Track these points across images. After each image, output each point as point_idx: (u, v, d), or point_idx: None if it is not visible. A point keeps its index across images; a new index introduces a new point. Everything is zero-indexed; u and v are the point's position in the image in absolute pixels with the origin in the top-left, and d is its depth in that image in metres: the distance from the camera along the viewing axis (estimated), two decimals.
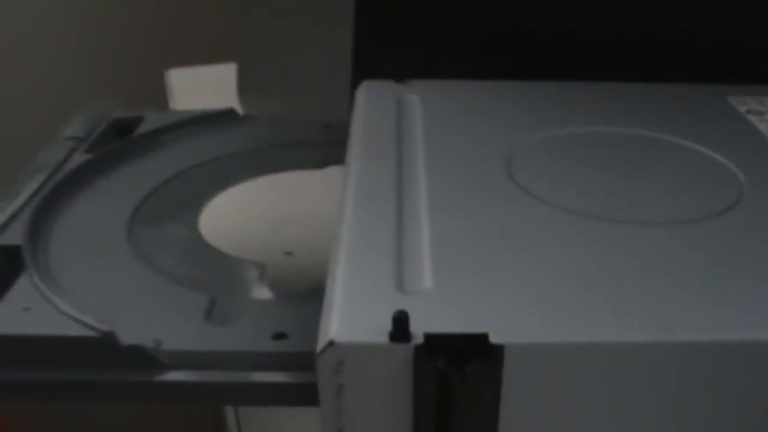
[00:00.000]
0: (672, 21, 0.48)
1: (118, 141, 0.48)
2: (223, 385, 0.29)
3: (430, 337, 0.24)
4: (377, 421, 0.25)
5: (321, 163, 0.48)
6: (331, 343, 0.24)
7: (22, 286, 0.33)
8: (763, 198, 0.33)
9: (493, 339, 0.24)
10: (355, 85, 0.45)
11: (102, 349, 0.29)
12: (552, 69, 0.49)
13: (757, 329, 0.25)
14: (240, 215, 0.46)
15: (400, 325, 0.24)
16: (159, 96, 0.78)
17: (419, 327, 0.24)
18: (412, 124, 0.39)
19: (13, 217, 0.38)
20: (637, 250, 0.29)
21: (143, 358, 0.29)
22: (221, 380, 0.29)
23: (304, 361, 0.27)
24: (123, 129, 0.51)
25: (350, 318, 0.25)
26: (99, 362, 0.29)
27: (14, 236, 0.36)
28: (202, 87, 0.72)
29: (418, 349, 0.24)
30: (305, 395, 0.28)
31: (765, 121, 0.41)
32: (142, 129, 0.49)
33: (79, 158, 0.44)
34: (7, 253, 0.35)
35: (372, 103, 0.41)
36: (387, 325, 0.24)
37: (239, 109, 0.62)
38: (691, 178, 0.35)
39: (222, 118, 0.53)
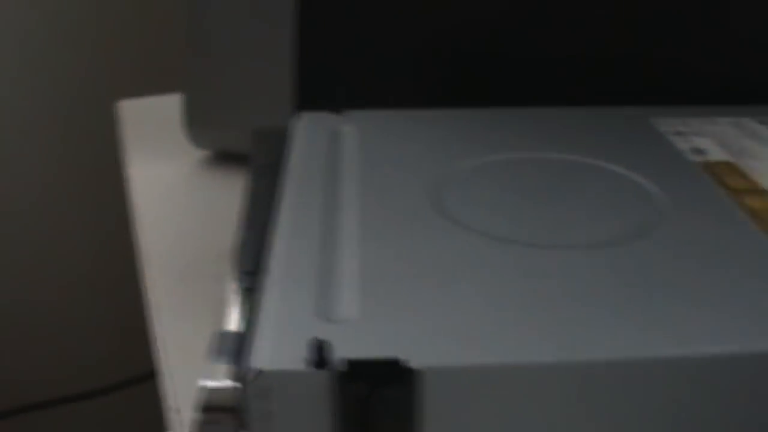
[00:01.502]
0: (602, 47, 0.49)
1: None
2: None
3: (350, 363, 0.25)
4: None
5: None
6: (259, 372, 0.25)
7: None
8: (681, 218, 0.34)
9: (412, 364, 0.25)
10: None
11: None
12: (488, 95, 0.50)
13: (668, 346, 0.27)
14: None
15: (320, 352, 0.25)
16: (109, 127, 0.79)
17: (341, 353, 0.26)
18: (345, 154, 0.40)
19: None
20: (557, 274, 0.30)
21: None
22: None
23: None
24: None
25: (276, 346, 0.26)
26: None
27: None
28: (154, 118, 0.73)
29: (339, 375, 0.25)
30: None
31: (686, 141, 0.42)
32: None
33: None
34: None
35: (307, 134, 0.42)
36: (311, 352, 0.26)
37: (188, 141, 0.64)
38: (614, 201, 0.36)
39: None
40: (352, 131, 0.43)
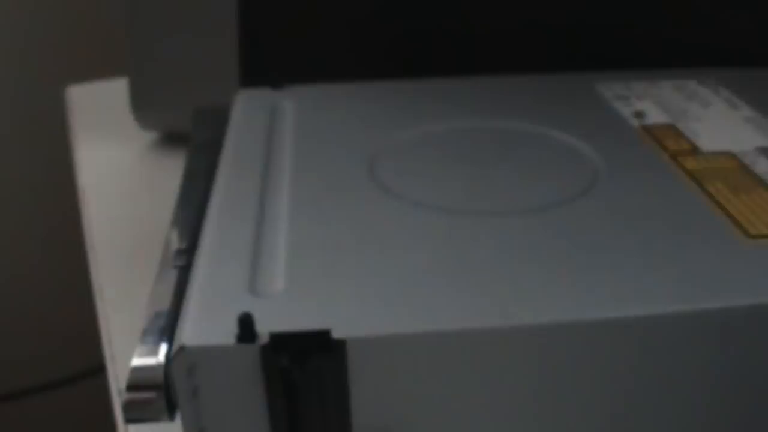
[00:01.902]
0: (549, 14, 0.49)
1: None
2: None
3: (274, 337, 0.25)
4: (236, 419, 0.26)
5: None
6: (182, 348, 0.25)
7: None
8: (617, 181, 0.34)
9: (336, 334, 0.25)
10: None
11: None
12: (431, 66, 0.50)
13: (598, 309, 0.26)
14: None
15: (245, 326, 0.25)
16: (58, 112, 0.78)
17: (268, 327, 0.25)
18: (283, 130, 0.40)
19: None
20: (490, 240, 0.30)
21: None
22: None
23: None
24: None
25: (202, 322, 0.26)
26: None
27: None
28: (103, 103, 0.72)
29: (264, 348, 0.25)
30: None
31: (629, 105, 0.42)
32: None
33: None
34: None
35: (245, 111, 0.42)
36: (236, 327, 0.25)
37: (135, 123, 0.63)
38: (551, 166, 0.36)
39: None
40: (291, 106, 0.42)
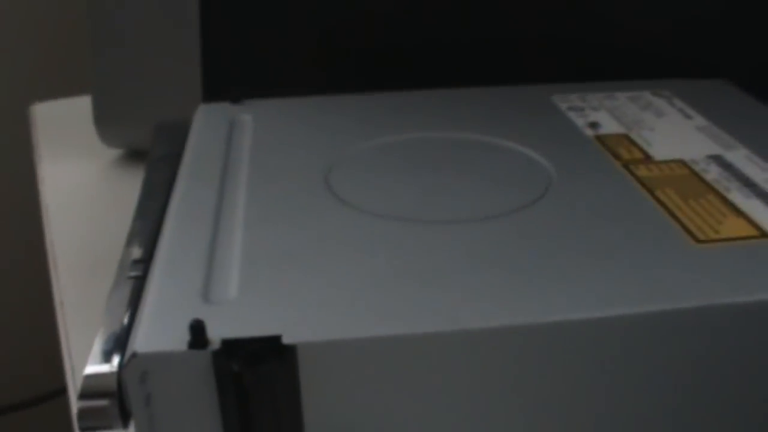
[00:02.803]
0: (504, 28, 0.50)
1: None
2: None
3: (226, 343, 0.25)
4: (189, 426, 0.26)
5: None
6: (134, 355, 0.25)
7: None
8: (567, 189, 0.35)
9: (286, 340, 0.25)
10: None
11: None
12: (391, 80, 0.50)
13: (549, 312, 0.27)
14: None
15: (197, 332, 0.25)
16: (23, 130, 0.78)
17: (219, 334, 0.26)
18: (241, 142, 0.40)
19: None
20: (441, 248, 0.31)
21: None
22: None
23: None
24: None
25: (154, 329, 0.26)
26: None
27: None
28: (68, 120, 0.72)
29: (216, 354, 0.25)
30: None
31: (583, 116, 0.43)
32: None
33: None
34: None
35: (204, 124, 0.42)
36: (188, 333, 0.26)
37: (100, 140, 0.63)
38: (504, 176, 0.36)
39: None
40: (250, 119, 0.42)
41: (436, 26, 0.50)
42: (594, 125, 0.41)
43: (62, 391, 1.06)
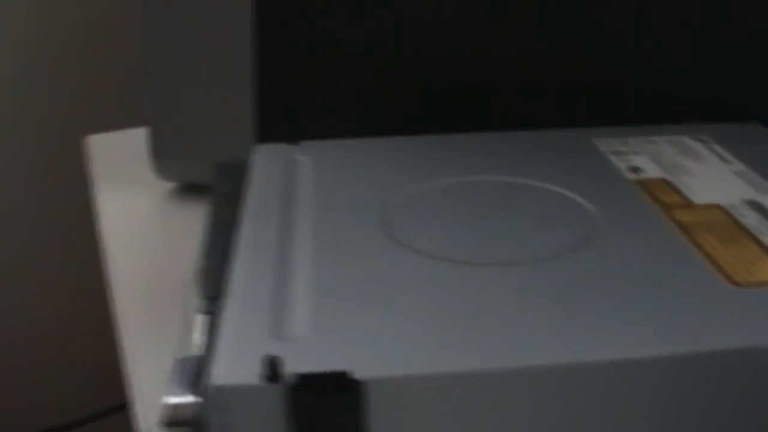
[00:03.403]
0: (548, 74, 0.52)
1: None
2: None
3: (298, 377, 0.28)
4: None
5: None
6: (215, 387, 0.28)
7: None
8: (613, 233, 0.37)
9: (356, 375, 0.28)
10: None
11: None
12: (438, 123, 0.53)
13: (594, 352, 0.29)
14: None
15: (272, 367, 0.27)
16: (78, 161, 0.81)
17: (292, 368, 0.28)
18: (300, 184, 0.42)
19: None
20: (495, 289, 0.33)
21: None
22: None
23: None
24: None
25: (232, 363, 0.29)
26: None
27: None
28: (122, 152, 0.75)
29: (289, 387, 0.27)
30: None
31: (625, 160, 0.45)
32: None
33: None
34: None
35: (264, 165, 0.44)
36: (263, 368, 0.28)
37: (153, 173, 0.66)
38: (551, 219, 0.38)
39: None
40: (308, 161, 0.45)
41: (484, 72, 0.52)
42: (635, 169, 0.43)
43: (115, 409, 1.09)
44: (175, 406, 0.29)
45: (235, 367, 0.28)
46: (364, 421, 0.28)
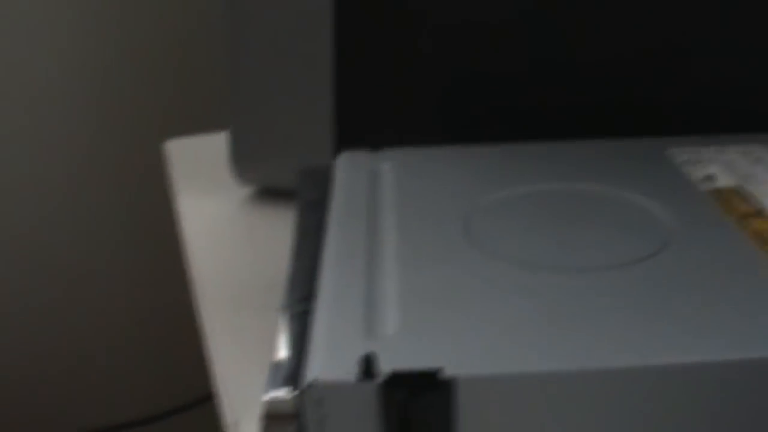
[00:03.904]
0: (621, 83, 0.53)
1: None
2: None
3: (392, 375, 0.29)
4: None
5: None
6: (312, 383, 0.29)
7: None
8: (688, 241, 0.38)
9: (447, 373, 0.29)
10: (338, 152, 0.51)
11: None
12: (514, 132, 0.54)
13: (677, 354, 0.30)
14: None
15: (367, 365, 0.29)
16: (157, 166, 0.84)
17: (385, 366, 0.30)
18: (383, 190, 0.44)
19: None
20: (574, 293, 0.34)
21: None
22: None
23: None
24: None
25: (327, 360, 0.30)
26: None
27: None
28: (201, 156, 0.77)
29: (382, 385, 0.29)
30: None
31: (698, 169, 0.46)
32: None
33: None
34: None
35: (348, 172, 0.46)
36: (357, 365, 0.30)
37: (233, 177, 0.68)
38: (627, 226, 0.40)
39: None
40: (390, 168, 0.47)
41: (559, 83, 0.53)
42: (708, 179, 0.45)
43: (199, 401, 1.12)
44: (275, 401, 0.31)
45: (330, 364, 0.30)
46: (454, 419, 0.30)
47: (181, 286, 1.12)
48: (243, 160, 0.65)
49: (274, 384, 0.32)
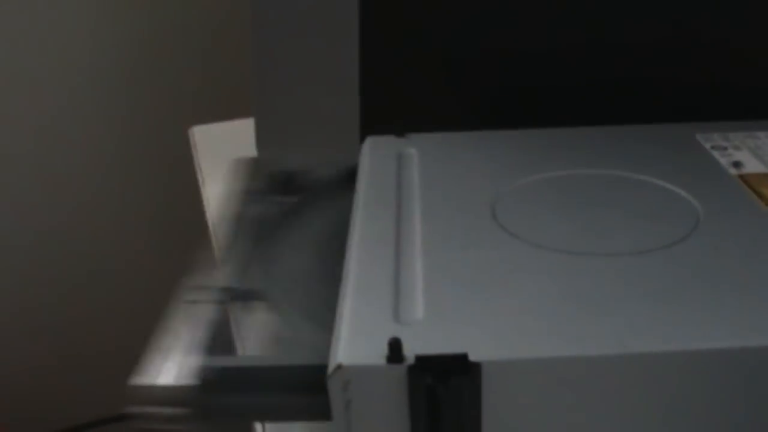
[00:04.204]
0: (648, 68, 0.53)
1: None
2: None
3: (420, 359, 0.29)
4: (380, 430, 0.30)
5: None
6: (339, 366, 0.29)
7: None
8: (714, 226, 0.38)
9: (472, 358, 0.29)
10: (363, 138, 0.51)
11: None
12: (540, 117, 0.54)
13: (705, 340, 0.30)
14: None
15: (395, 349, 0.29)
16: (185, 152, 0.84)
17: (412, 350, 0.30)
18: (410, 175, 0.44)
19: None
20: (601, 278, 0.34)
21: None
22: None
23: None
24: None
25: (355, 344, 0.30)
26: None
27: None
28: (226, 142, 0.77)
29: (411, 368, 0.29)
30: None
31: (727, 155, 0.46)
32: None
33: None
34: None
35: (375, 157, 0.46)
36: (385, 349, 0.30)
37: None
38: (654, 212, 0.39)
39: None
40: (415, 153, 0.46)
41: (579, 67, 0.53)
42: (737, 164, 0.44)
43: None
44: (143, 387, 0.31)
45: (357, 348, 0.30)
46: (479, 402, 0.30)
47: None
48: (268, 147, 0.65)
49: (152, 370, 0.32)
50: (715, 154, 0.46)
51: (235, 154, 0.74)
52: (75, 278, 1.19)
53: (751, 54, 0.53)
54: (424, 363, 0.29)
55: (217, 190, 0.67)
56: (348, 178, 0.50)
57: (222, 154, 0.74)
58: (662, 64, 0.53)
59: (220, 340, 0.35)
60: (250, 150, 0.73)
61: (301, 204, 0.49)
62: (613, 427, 0.30)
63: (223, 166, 0.72)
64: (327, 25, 0.60)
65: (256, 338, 0.36)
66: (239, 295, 0.38)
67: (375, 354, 0.30)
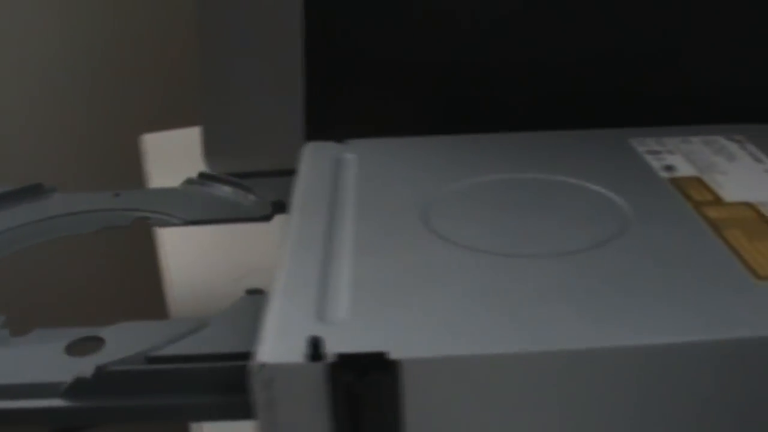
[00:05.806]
0: (587, 76, 0.54)
1: None
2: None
3: (340, 357, 0.30)
4: (305, 427, 0.31)
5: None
6: (262, 364, 0.30)
7: None
8: (643, 228, 0.39)
9: (393, 356, 0.30)
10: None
11: None
12: (480, 122, 0.54)
13: (621, 337, 0.31)
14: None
15: (315, 347, 0.29)
16: (134, 160, 0.84)
17: (334, 349, 0.30)
18: (346, 180, 0.44)
19: None
20: (526, 279, 0.35)
21: None
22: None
23: None
24: None
25: (278, 343, 0.31)
26: None
27: None
28: (176, 150, 0.77)
29: (331, 366, 0.29)
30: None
31: (660, 159, 0.46)
32: None
33: None
34: None
35: (312, 162, 0.46)
36: (306, 348, 0.30)
37: (208, 169, 0.68)
38: (583, 214, 0.40)
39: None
40: (354, 158, 0.47)
41: (525, 75, 0.54)
42: (669, 168, 0.45)
43: None
44: None
45: (280, 347, 0.30)
46: (400, 399, 0.30)
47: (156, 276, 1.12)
48: (215, 154, 0.65)
49: None
50: (649, 158, 0.46)
51: (184, 161, 0.74)
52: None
53: (686, 61, 0.54)
54: (344, 361, 0.29)
55: None
56: None
57: (172, 162, 0.74)
58: (599, 73, 0.54)
59: None
60: (199, 157, 0.73)
61: None
62: (530, 425, 0.31)
63: (172, 173, 0.72)
64: (272, 32, 0.61)
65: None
66: None
67: (297, 353, 0.30)
